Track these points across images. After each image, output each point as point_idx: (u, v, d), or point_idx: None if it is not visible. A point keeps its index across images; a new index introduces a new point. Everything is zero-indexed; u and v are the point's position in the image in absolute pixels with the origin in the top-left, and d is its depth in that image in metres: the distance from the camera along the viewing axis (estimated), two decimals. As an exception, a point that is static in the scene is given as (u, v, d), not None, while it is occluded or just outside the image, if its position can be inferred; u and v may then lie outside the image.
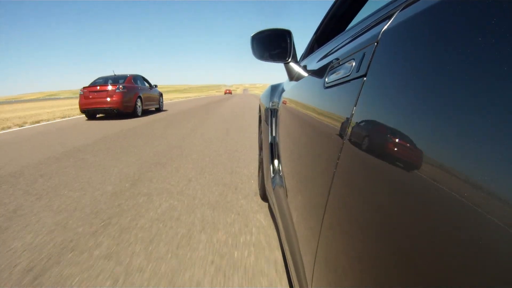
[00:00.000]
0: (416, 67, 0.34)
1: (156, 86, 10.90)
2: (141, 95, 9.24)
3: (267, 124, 1.63)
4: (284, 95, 1.34)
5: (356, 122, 0.44)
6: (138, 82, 9.65)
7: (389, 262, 0.32)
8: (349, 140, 0.45)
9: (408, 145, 0.31)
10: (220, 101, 19.55)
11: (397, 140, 0.33)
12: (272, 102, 1.65)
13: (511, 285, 0.18)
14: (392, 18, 0.45)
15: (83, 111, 8.70)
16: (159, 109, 11.16)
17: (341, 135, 0.48)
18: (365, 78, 0.45)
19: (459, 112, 0.25)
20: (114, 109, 8.38)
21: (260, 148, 2.07)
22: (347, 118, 0.47)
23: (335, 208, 0.48)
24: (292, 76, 1.28)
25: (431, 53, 0.32)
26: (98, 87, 8.55)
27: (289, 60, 1.25)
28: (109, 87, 8.42)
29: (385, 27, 0.45)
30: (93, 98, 8.48)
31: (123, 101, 8.37)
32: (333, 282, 0.47)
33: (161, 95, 11.44)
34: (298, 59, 1.37)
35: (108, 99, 8.33)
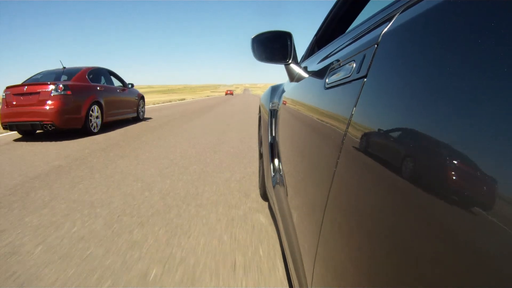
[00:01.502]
0: (416, 69, 0.34)
1: (132, 85, 7.27)
2: (100, 99, 5.60)
3: (267, 125, 1.63)
4: (285, 95, 1.34)
5: (356, 123, 0.44)
6: (102, 79, 6.18)
7: (389, 262, 0.32)
8: (349, 140, 0.45)
9: (408, 146, 0.31)
10: (205, 111, 11.21)
11: (397, 141, 0.33)
12: (272, 103, 1.65)
13: (511, 285, 0.18)
14: (393, 21, 0.45)
15: (5, 126, 5.09)
16: (137, 118, 7.52)
17: (341, 135, 0.49)
18: (365, 79, 0.46)
19: (459, 113, 0.25)
20: (47, 124, 4.82)
21: (260, 150, 2.07)
22: (347, 119, 0.47)
23: (335, 208, 0.49)
24: (293, 77, 1.29)
25: (431, 55, 0.32)
26: (26, 88, 4.99)
27: (290, 61, 1.25)
28: (43, 88, 4.89)
29: (385, 29, 0.45)
30: (18, 105, 4.98)
31: (64, 111, 4.84)
32: (333, 281, 0.47)
33: (141, 98, 7.73)
34: (299, 60, 1.37)
35: (41, 107, 4.81)
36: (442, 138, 0.26)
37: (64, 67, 6.10)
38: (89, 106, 5.31)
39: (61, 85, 4.94)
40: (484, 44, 0.25)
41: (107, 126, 6.22)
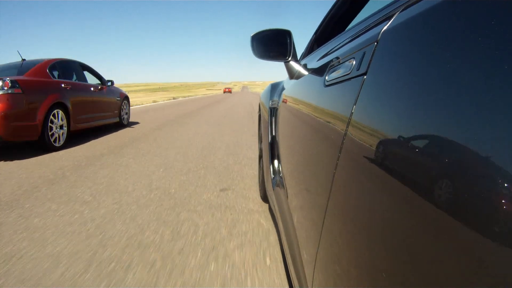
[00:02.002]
0: (415, 66, 0.34)
1: (112, 83, 5.72)
2: (66, 101, 4.09)
3: (267, 123, 1.63)
4: (284, 93, 1.34)
5: (356, 121, 0.44)
6: (71, 74, 4.72)
7: (389, 263, 0.32)
8: (349, 139, 0.45)
9: (408, 143, 0.31)
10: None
11: (396, 138, 0.33)
12: (272, 101, 1.65)
13: (511, 285, 0.18)
14: (392, 19, 0.45)
15: None
16: (120, 124, 5.93)
17: (341, 134, 0.48)
18: (365, 77, 0.46)
19: (458, 111, 0.25)
20: None
21: (260, 148, 2.07)
22: (347, 117, 0.47)
23: (335, 208, 0.49)
24: (292, 74, 1.28)
25: (431, 53, 0.32)
26: None
27: (289, 58, 1.25)
28: None
29: (385, 27, 0.45)
30: None
31: (11, 117, 3.43)
32: (333, 282, 0.47)
33: (125, 99, 6.10)
34: (298, 58, 1.37)
35: None
36: (441, 136, 0.27)
37: (24, 59, 4.56)
38: (48, 109, 3.73)
39: (8, 81, 3.46)
40: (483, 43, 0.25)
41: (78, 136, 4.60)
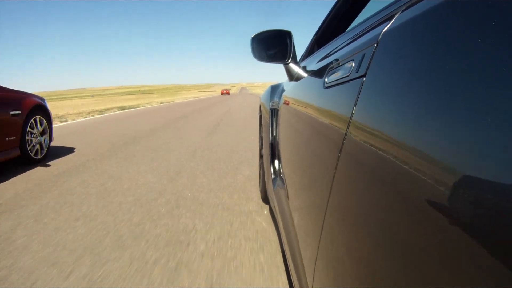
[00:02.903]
0: (415, 68, 0.34)
1: None
2: None
3: (268, 125, 1.63)
4: (284, 94, 1.34)
5: (356, 122, 0.44)
6: None
7: (390, 263, 0.32)
8: (349, 140, 0.45)
9: (408, 145, 0.31)
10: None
11: (397, 140, 0.33)
12: (273, 102, 1.66)
13: (510, 285, 0.18)
14: (393, 20, 0.45)
15: None
16: (28, 159, 3.05)
17: (341, 135, 0.48)
18: (364, 79, 0.46)
19: (458, 113, 0.25)
20: None
21: (261, 149, 2.08)
22: (347, 118, 0.47)
23: (335, 209, 0.48)
24: (292, 76, 1.29)
25: (431, 54, 0.32)
26: None
27: (289, 61, 1.25)
28: None
29: (385, 28, 0.45)
30: None
31: None
32: (334, 283, 0.47)
33: (36, 111, 3.20)
34: (298, 60, 1.37)
35: None
36: (442, 137, 0.26)
37: None
38: None
39: None
40: (484, 44, 0.25)
41: None
